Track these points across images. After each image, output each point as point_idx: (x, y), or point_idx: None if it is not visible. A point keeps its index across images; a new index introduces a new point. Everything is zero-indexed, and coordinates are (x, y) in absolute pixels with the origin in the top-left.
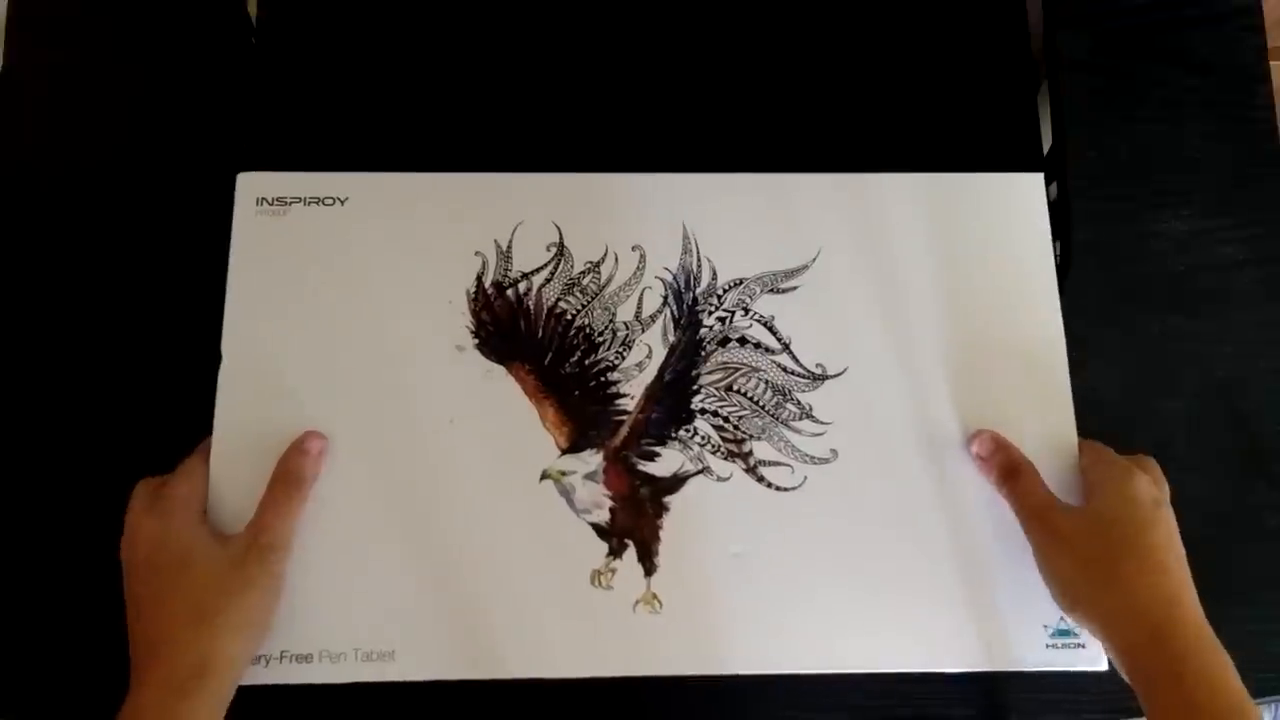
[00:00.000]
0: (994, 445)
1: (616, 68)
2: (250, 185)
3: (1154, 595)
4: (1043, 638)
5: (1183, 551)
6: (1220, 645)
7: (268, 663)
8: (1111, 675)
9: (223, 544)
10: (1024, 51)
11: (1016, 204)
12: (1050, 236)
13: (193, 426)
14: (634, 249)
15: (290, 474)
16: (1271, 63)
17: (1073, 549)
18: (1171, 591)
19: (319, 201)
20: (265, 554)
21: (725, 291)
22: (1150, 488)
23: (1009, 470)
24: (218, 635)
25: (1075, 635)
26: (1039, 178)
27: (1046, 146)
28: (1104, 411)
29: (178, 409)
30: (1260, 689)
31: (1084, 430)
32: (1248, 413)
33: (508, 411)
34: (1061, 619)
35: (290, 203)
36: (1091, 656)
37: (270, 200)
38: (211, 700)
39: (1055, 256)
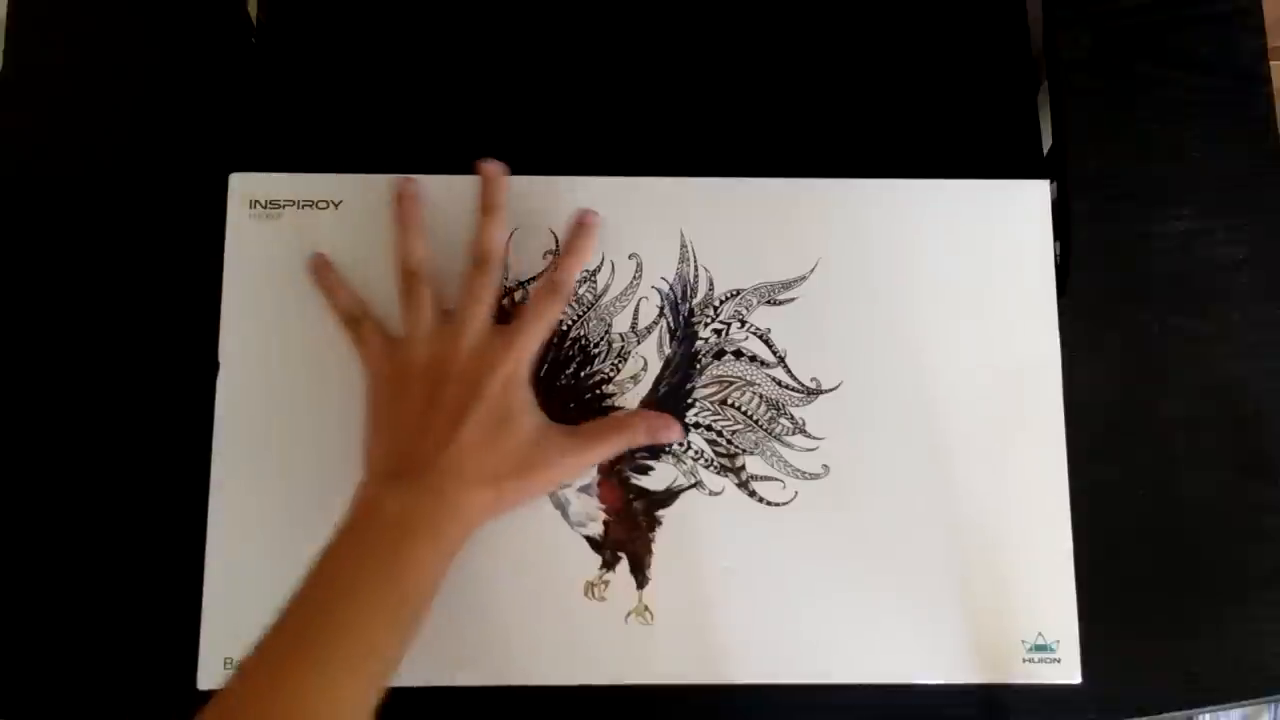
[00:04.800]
0: None
1: (614, 69)
2: (242, 187)
3: None
4: (1020, 653)
5: None
6: None
7: None
8: (1116, 678)
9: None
10: (1024, 51)
11: (1019, 213)
12: (1052, 245)
13: (190, 427)
14: (630, 257)
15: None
16: (1271, 63)
17: None
18: None
19: (312, 205)
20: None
21: (722, 303)
22: None
23: None
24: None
25: (1052, 650)
26: (1044, 185)
27: (1046, 146)
28: (1104, 412)
29: (174, 409)
30: (1261, 689)
31: (1083, 430)
32: (1248, 413)
33: None
34: (1039, 635)
35: (284, 206)
36: (1066, 671)
37: (264, 203)
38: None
39: (1055, 257)
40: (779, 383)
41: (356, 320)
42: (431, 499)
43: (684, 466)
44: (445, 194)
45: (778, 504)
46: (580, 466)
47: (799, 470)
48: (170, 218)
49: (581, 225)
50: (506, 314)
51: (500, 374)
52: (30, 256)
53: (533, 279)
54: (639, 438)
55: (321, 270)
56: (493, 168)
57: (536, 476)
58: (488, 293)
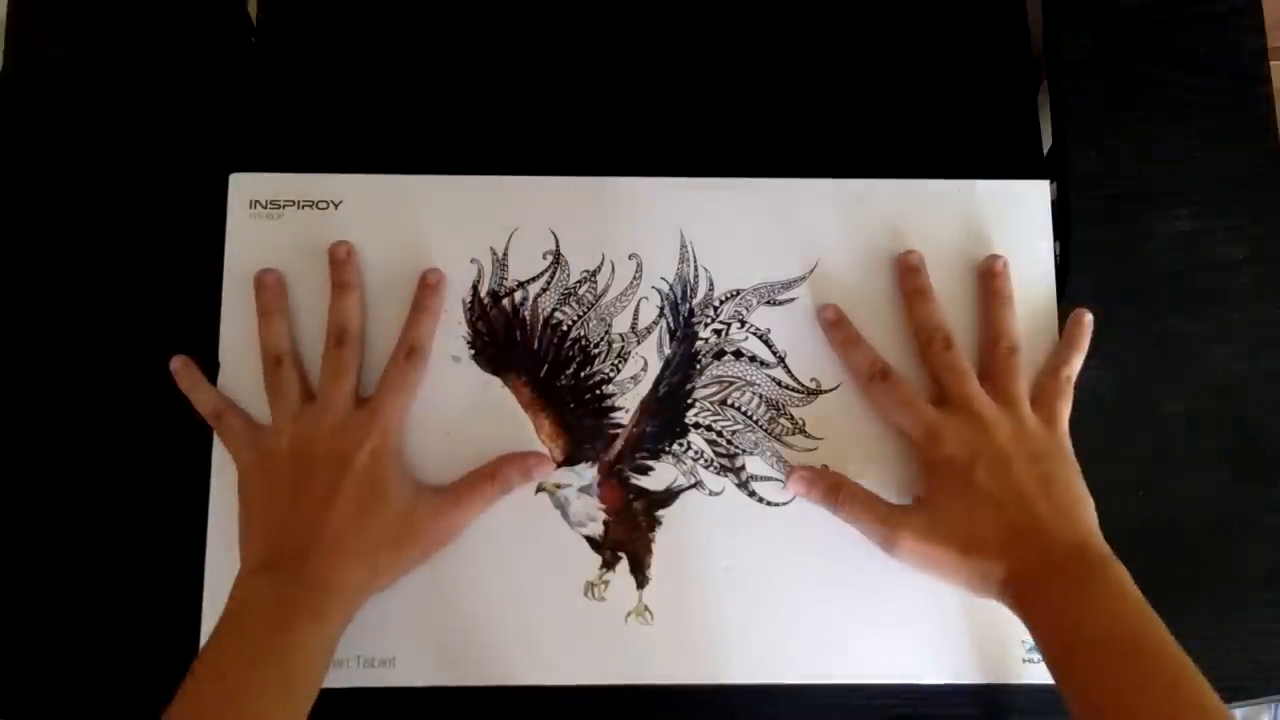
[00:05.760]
0: (808, 481)
1: (615, 69)
2: (243, 187)
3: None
4: (1020, 653)
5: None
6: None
7: None
8: None
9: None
10: (1024, 52)
11: (1019, 213)
12: (1052, 245)
13: (190, 427)
14: (630, 257)
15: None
16: (1271, 63)
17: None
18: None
19: (312, 205)
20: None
21: (722, 303)
22: (956, 438)
23: (831, 492)
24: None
25: None
26: (1044, 185)
27: (1046, 146)
28: (1104, 411)
29: (174, 409)
30: (1261, 688)
31: (1083, 430)
32: (1248, 413)
33: (504, 424)
34: None
35: (284, 206)
36: None
37: (264, 203)
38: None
39: (1055, 257)
40: (779, 383)
41: (219, 415)
42: (306, 586)
43: (684, 466)
44: (446, 194)
45: (778, 504)
46: (457, 526)
47: None
48: (170, 218)
49: (426, 285)
50: (506, 314)
51: (367, 449)
52: (30, 256)
53: (532, 279)
54: (513, 480)
55: (182, 371)
56: (340, 249)
57: (413, 546)
58: (348, 369)
